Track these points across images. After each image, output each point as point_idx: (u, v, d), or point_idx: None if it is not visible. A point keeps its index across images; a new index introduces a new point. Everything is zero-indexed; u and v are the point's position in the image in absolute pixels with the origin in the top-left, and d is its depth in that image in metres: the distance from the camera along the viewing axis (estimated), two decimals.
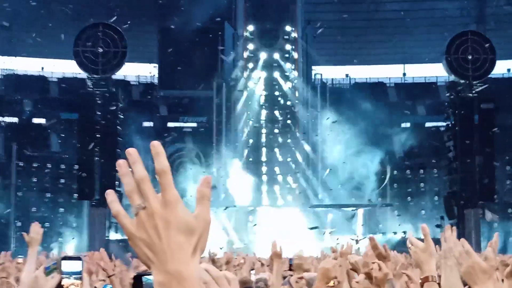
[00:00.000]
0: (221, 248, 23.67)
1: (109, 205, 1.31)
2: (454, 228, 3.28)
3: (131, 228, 1.30)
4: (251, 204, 38.35)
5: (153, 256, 1.29)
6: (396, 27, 42.41)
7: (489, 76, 36.97)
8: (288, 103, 40.57)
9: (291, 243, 32.27)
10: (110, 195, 1.33)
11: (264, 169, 40.19)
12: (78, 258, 4.13)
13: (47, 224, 37.06)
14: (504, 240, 35.13)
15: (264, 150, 40.46)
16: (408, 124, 41.58)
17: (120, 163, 1.31)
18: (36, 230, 4.70)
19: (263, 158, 40.40)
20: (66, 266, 3.65)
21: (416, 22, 41.39)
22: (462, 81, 36.38)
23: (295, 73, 40.22)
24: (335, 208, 38.10)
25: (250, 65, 40.20)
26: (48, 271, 3.40)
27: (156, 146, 1.30)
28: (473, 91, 36.20)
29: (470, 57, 36.40)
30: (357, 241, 34.61)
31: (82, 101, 36.15)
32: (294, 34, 39.64)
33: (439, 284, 3.31)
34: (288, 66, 40.15)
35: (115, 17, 36.81)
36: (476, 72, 36.36)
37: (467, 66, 36.39)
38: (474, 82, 36.25)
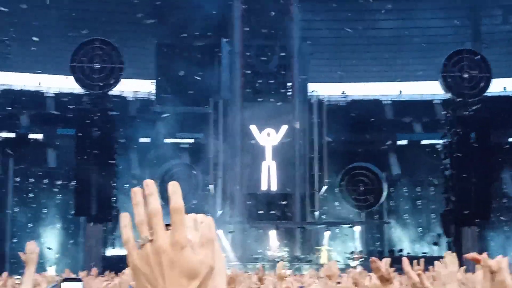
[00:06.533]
0: None
1: (121, 229, 1.30)
2: (454, 254, 3.31)
3: (136, 260, 1.28)
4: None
5: None
6: (392, 45, 42.53)
7: (485, 94, 37.05)
8: None
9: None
10: (125, 219, 1.31)
11: None
12: (79, 280, 4.10)
13: (42, 240, 36.91)
14: None
15: (262, 165, 40.26)
16: (404, 142, 41.61)
17: (136, 191, 1.29)
18: (31, 248, 4.57)
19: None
20: None
21: (412, 40, 41.52)
22: (458, 99, 36.47)
23: (292, 90, 40.18)
24: (333, 226, 37.99)
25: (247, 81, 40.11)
26: None
27: (175, 185, 1.29)
28: (469, 109, 36.27)
29: (466, 75, 36.51)
30: (353, 259, 34.63)
31: (79, 117, 36.18)
32: (290, 51, 39.66)
33: None
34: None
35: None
36: (472, 90, 36.46)
37: (463, 84, 36.50)
38: (470, 100, 36.33)
